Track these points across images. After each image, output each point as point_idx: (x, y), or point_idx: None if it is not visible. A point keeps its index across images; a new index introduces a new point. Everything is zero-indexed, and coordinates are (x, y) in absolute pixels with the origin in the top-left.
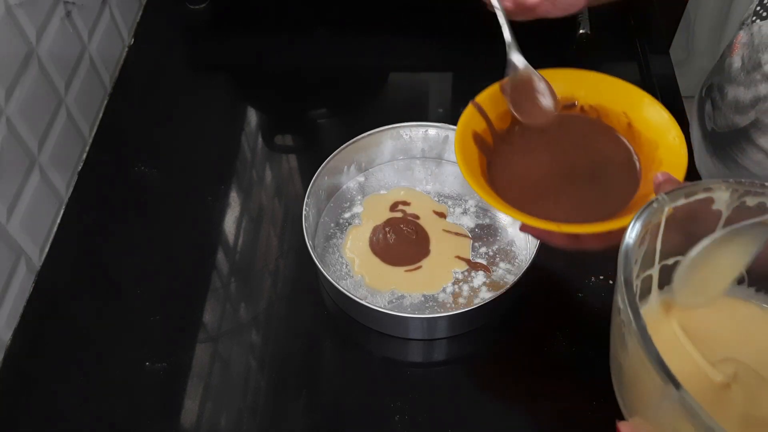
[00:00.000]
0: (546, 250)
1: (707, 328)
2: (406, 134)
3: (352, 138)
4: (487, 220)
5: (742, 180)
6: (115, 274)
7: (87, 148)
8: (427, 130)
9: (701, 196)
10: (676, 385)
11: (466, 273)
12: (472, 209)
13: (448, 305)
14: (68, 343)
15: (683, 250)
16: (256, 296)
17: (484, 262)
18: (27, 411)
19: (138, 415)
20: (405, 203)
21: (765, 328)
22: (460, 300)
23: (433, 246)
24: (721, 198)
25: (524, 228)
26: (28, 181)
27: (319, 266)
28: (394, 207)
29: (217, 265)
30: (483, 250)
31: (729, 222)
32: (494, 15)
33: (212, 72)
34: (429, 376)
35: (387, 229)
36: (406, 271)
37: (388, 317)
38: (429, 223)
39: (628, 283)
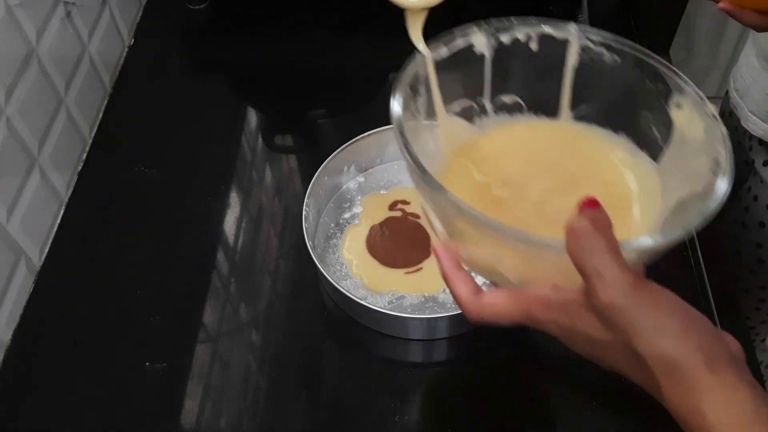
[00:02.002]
0: None
1: (491, 154)
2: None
3: (352, 138)
4: None
5: (492, 20)
6: (115, 274)
7: (87, 148)
8: None
9: (461, 43)
10: (440, 189)
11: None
12: None
13: (448, 305)
14: (68, 343)
15: (466, 95)
16: (256, 296)
17: None
18: (27, 411)
19: (138, 415)
20: (405, 202)
21: (537, 142)
22: None
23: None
24: (480, 41)
25: None
26: (28, 181)
27: (319, 266)
28: (393, 206)
29: (217, 265)
30: None
31: (494, 63)
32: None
33: (212, 72)
34: (429, 376)
35: (385, 230)
36: (406, 273)
37: (388, 317)
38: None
39: (401, 129)
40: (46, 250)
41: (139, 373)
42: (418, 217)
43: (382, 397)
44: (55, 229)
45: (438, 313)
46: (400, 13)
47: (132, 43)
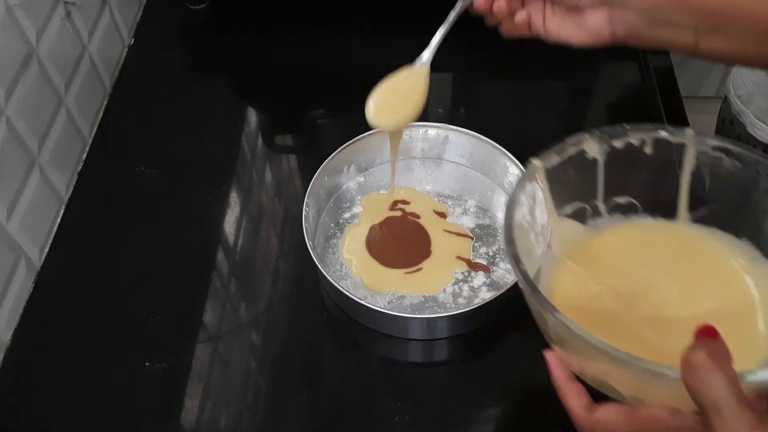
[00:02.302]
0: None
1: (604, 257)
2: (406, 134)
3: (352, 138)
4: (487, 220)
5: (604, 128)
6: (116, 274)
7: (87, 148)
8: (426, 130)
9: (572, 151)
10: (552, 310)
11: (466, 273)
12: (472, 209)
13: (448, 305)
14: (68, 343)
15: (579, 198)
16: (256, 296)
17: (484, 262)
18: (27, 411)
19: (138, 415)
20: (405, 202)
21: (653, 244)
22: (460, 300)
23: (435, 247)
24: (592, 147)
25: None
26: (28, 181)
27: (319, 266)
28: (393, 206)
29: (217, 265)
30: (483, 250)
31: (607, 167)
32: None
33: (212, 72)
34: (429, 376)
35: (385, 230)
36: (406, 273)
37: (388, 317)
38: (430, 223)
39: (511, 240)
40: (46, 250)
41: (139, 373)
42: (418, 216)
43: (382, 397)
44: (55, 229)
45: (438, 313)
46: (399, 13)
47: (132, 43)
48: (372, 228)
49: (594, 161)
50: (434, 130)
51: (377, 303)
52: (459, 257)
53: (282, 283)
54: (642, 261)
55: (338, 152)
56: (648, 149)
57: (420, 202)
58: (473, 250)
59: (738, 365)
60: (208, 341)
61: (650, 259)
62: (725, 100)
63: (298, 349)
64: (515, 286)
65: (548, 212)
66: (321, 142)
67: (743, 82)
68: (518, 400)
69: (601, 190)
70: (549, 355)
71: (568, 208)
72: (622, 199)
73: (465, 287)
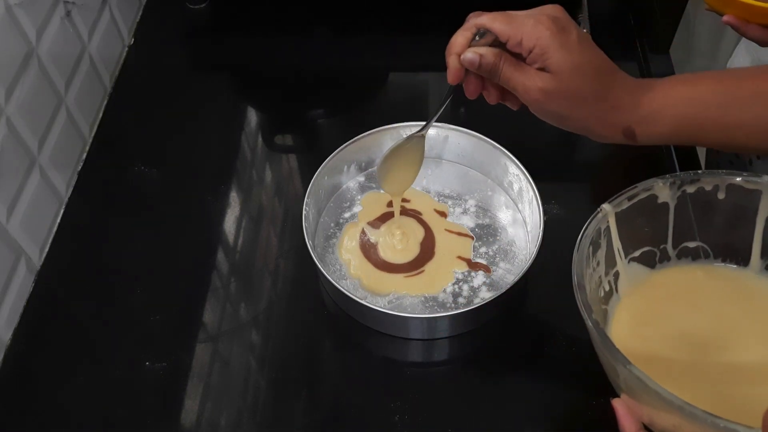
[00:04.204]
0: (546, 250)
1: (667, 298)
2: (406, 134)
3: (352, 138)
4: (487, 220)
5: (677, 173)
6: (116, 274)
7: (87, 148)
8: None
9: (643, 195)
10: (625, 362)
11: (466, 273)
12: (472, 209)
13: (448, 305)
14: (68, 343)
15: (648, 243)
16: (256, 296)
17: (484, 262)
18: (27, 411)
19: (138, 415)
20: (405, 200)
21: (722, 289)
22: (460, 300)
23: (436, 247)
24: (664, 192)
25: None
26: (28, 181)
27: (319, 266)
28: (392, 204)
29: (217, 265)
30: (483, 250)
31: (677, 212)
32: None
33: (212, 72)
34: (429, 376)
35: (382, 243)
36: (406, 276)
37: (388, 317)
38: (431, 223)
39: (581, 287)
40: (46, 249)
41: (139, 372)
42: (420, 213)
43: (382, 397)
44: (55, 228)
45: (438, 312)
46: (399, 13)
47: (132, 43)
48: (365, 236)
49: (665, 205)
50: (434, 130)
51: (377, 303)
52: (459, 257)
53: (282, 282)
54: (709, 306)
55: (338, 152)
56: (721, 194)
57: (420, 201)
58: (473, 250)
59: None
60: (208, 341)
61: (719, 305)
62: None
63: (298, 349)
64: (515, 286)
65: (617, 256)
66: (321, 142)
67: None
68: (518, 400)
69: (670, 234)
70: (617, 404)
71: (637, 252)
72: (692, 244)
73: (465, 287)
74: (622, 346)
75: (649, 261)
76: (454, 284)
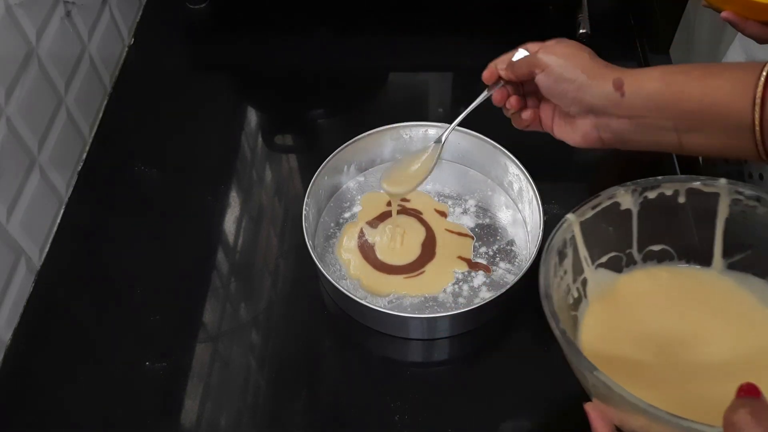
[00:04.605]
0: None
1: (634, 300)
2: (406, 134)
3: (352, 138)
4: (487, 220)
5: (638, 180)
6: (115, 274)
7: (87, 148)
8: (427, 130)
9: (606, 204)
10: (591, 368)
11: (466, 273)
12: (472, 209)
13: (448, 305)
14: (68, 343)
15: (614, 248)
16: (256, 296)
17: (484, 262)
18: (27, 411)
19: (138, 415)
20: (405, 200)
21: (686, 289)
22: (460, 300)
23: (438, 248)
24: (626, 199)
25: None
26: (28, 181)
27: (319, 266)
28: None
29: (217, 265)
30: (483, 250)
31: (640, 217)
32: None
33: (212, 72)
34: (429, 376)
35: (378, 245)
36: (406, 277)
37: (388, 317)
38: (431, 223)
39: (548, 296)
40: (46, 249)
41: (139, 372)
42: (420, 212)
43: (382, 397)
44: (55, 228)
45: (438, 312)
46: (399, 13)
47: (132, 43)
48: (364, 239)
49: (628, 212)
50: (434, 130)
51: (377, 303)
52: (459, 257)
53: (282, 282)
54: (675, 306)
55: (338, 152)
56: (681, 198)
57: (420, 201)
58: (473, 250)
59: None
60: (208, 341)
61: (684, 305)
62: None
63: (297, 348)
64: (515, 286)
65: (584, 264)
66: (321, 142)
67: None
68: (518, 400)
69: (635, 239)
70: (589, 408)
71: (603, 258)
72: (656, 247)
73: (465, 287)
74: (592, 350)
75: (616, 266)
76: (454, 284)
